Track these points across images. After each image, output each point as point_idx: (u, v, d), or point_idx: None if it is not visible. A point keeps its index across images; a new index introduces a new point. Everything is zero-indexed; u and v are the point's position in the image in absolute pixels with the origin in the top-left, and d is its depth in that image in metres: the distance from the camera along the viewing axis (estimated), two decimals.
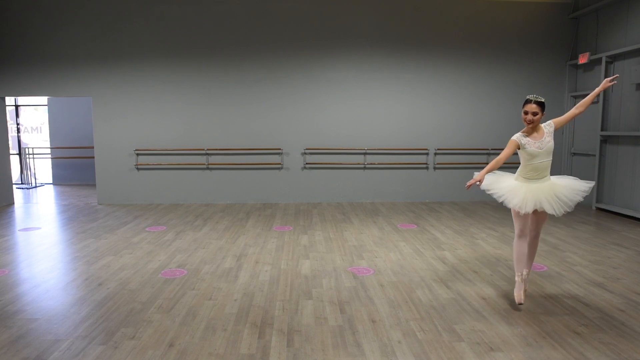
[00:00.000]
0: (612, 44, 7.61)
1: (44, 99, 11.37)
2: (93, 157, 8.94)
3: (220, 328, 3.32)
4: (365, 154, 8.62)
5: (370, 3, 8.34)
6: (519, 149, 3.58)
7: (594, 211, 7.65)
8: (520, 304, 3.63)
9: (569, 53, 8.64)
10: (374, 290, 4.06)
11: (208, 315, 3.54)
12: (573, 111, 3.67)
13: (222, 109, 8.45)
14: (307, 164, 8.61)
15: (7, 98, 8.79)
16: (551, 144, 3.58)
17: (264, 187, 8.63)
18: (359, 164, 8.64)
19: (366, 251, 5.31)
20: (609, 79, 3.68)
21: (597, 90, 3.62)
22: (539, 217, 3.71)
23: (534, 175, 3.61)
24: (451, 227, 6.57)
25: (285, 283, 4.26)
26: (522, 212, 3.54)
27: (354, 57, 8.44)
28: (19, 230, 6.41)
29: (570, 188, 3.61)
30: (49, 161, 11.76)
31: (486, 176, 3.66)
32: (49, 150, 11.62)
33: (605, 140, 7.71)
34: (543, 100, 3.56)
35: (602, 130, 7.68)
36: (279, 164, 8.59)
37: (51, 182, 11.55)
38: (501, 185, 3.73)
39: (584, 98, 8.33)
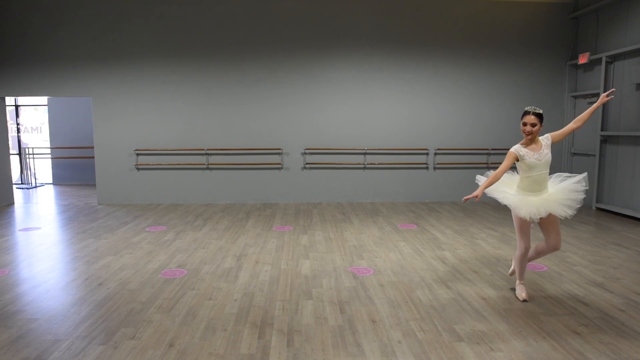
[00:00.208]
0: (612, 44, 7.61)
1: (44, 99, 11.37)
2: (93, 157, 8.94)
3: (220, 328, 3.33)
4: (365, 154, 8.62)
5: (370, 3, 8.34)
6: (517, 160, 3.60)
7: (594, 211, 7.65)
8: (525, 300, 3.78)
9: (569, 53, 8.64)
10: (374, 290, 4.06)
11: (208, 315, 3.54)
12: (571, 126, 3.70)
13: (222, 109, 8.45)
14: (307, 164, 8.61)
15: (7, 98, 8.79)
16: (549, 156, 3.59)
17: (264, 187, 8.63)
18: (359, 164, 8.64)
19: (366, 251, 5.31)
20: (605, 94, 3.72)
21: (594, 106, 3.66)
22: (552, 224, 3.66)
23: (535, 188, 3.61)
24: (451, 227, 6.57)
25: (285, 283, 4.26)
26: (536, 219, 3.53)
27: (354, 57, 8.44)
28: (19, 230, 6.41)
29: (569, 190, 3.62)
30: (49, 161, 11.76)
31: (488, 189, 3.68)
32: (49, 150, 11.62)
33: (605, 140, 7.71)
34: (541, 111, 3.60)
35: (602, 130, 7.68)
36: (279, 164, 8.59)
37: (51, 182, 11.55)
38: (506, 196, 3.71)
39: (584, 98, 8.40)
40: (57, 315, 3.55)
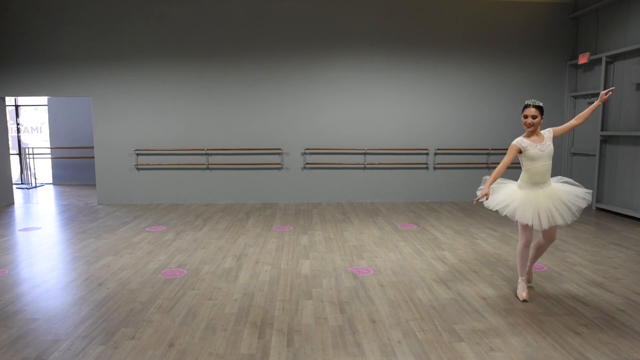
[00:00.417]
0: (612, 44, 7.61)
1: (44, 99, 11.37)
2: (93, 157, 8.94)
3: (220, 328, 3.32)
4: (365, 154, 8.62)
5: (370, 3, 8.34)
6: (520, 153, 3.63)
7: (594, 211, 7.65)
8: (525, 300, 3.76)
9: (569, 53, 8.64)
10: (374, 290, 4.06)
11: (208, 315, 3.54)
12: (572, 122, 3.78)
13: (222, 109, 8.45)
14: (307, 164, 8.61)
15: (7, 98, 8.79)
16: (551, 147, 3.66)
17: (264, 187, 8.63)
18: (359, 164, 8.64)
19: (366, 251, 5.31)
20: (604, 92, 3.74)
21: (595, 104, 3.72)
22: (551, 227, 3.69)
23: (538, 180, 3.64)
24: (451, 227, 6.56)
25: (285, 283, 4.26)
26: (539, 228, 3.59)
27: (354, 57, 8.44)
28: (19, 230, 6.41)
29: (573, 194, 3.68)
30: (49, 161, 11.76)
31: (491, 193, 3.71)
32: (49, 150, 11.62)
33: (605, 140, 7.71)
34: (541, 104, 3.65)
35: (602, 130, 7.68)
36: (279, 164, 8.59)
37: (51, 182, 11.55)
38: (509, 203, 3.71)
39: (584, 98, 8.40)
40: (57, 315, 3.55)
